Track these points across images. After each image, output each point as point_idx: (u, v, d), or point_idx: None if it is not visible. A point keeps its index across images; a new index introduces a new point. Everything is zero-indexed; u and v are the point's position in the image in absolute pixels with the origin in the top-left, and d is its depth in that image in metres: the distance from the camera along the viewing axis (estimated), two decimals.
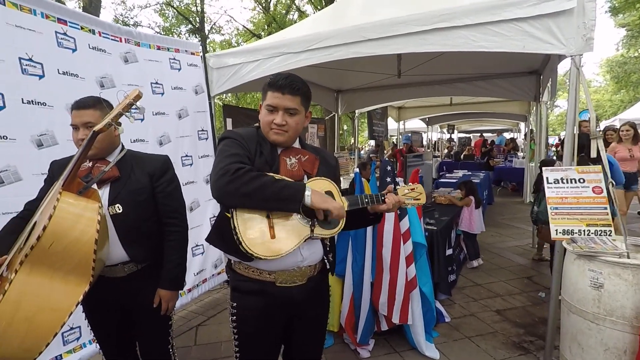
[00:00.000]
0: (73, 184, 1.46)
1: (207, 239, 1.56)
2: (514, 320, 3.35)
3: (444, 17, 2.60)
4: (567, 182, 2.46)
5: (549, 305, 2.70)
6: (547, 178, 2.51)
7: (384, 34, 2.80)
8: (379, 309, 2.80)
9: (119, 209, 1.66)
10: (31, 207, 1.60)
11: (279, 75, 1.46)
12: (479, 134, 17.08)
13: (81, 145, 1.47)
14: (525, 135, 11.07)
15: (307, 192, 1.33)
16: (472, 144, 15.29)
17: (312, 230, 1.40)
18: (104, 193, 1.65)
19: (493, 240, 5.90)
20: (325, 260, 1.60)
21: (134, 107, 1.47)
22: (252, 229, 1.33)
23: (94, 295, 1.59)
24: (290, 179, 1.40)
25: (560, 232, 2.40)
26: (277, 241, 1.35)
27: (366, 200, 1.54)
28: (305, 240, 1.40)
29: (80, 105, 1.63)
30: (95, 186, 1.60)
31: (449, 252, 3.84)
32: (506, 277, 4.38)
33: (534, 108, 7.89)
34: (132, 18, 17.84)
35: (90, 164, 1.64)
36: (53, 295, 1.28)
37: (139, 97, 1.44)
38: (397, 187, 1.68)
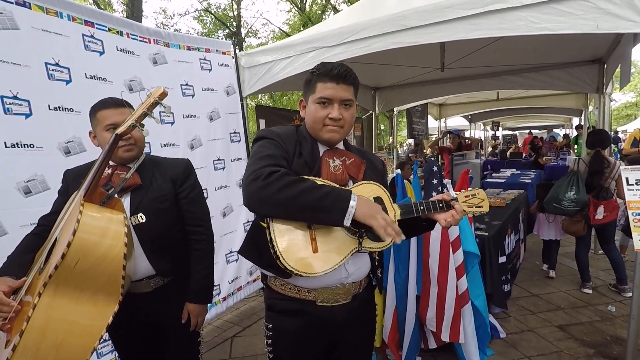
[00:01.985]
0: (95, 194, 1.34)
1: (239, 252, 1.40)
2: (580, 339, 2.95)
3: None
4: None
5: (628, 324, 2.32)
6: (627, 179, 2.14)
7: (428, 21, 2.52)
8: (427, 325, 2.54)
9: (142, 219, 1.54)
10: (46, 222, 1.49)
11: (330, 63, 1.28)
12: (527, 131, 16.06)
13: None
14: (577, 128, 10.16)
15: (352, 203, 1.11)
16: (521, 142, 14.34)
17: (360, 243, 1.21)
18: (125, 202, 1.53)
19: None
20: (372, 277, 1.41)
21: (159, 106, 1.32)
22: (291, 241, 1.16)
23: (117, 313, 1.48)
24: (334, 184, 1.21)
25: None
26: (319, 256, 1.16)
27: (421, 208, 1.32)
28: (351, 255, 1.21)
29: (119, 103, 1.52)
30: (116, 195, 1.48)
31: (502, 259, 3.48)
32: (567, 287, 3.93)
33: (593, 101, 7.21)
34: (172, 26, 18.49)
35: (110, 171, 1.52)
36: (81, 319, 1.17)
37: (164, 94, 1.30)
38: (456, 193, 1.42)
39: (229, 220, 3.34)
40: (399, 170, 2.82)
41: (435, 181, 2.54)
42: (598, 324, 3.15)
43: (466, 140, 6.86)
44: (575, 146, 10.57)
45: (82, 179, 1.45)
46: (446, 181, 2.69)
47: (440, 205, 1.35)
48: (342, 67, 1.27)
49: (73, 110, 2.17)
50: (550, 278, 4.20)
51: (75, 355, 1.14)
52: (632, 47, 2.96)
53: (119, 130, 1.28)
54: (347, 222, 1.11)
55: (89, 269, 1.16)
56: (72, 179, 1.56)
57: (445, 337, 2.49)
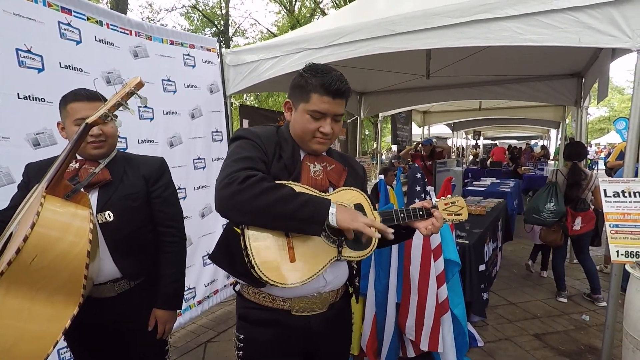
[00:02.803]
0: (59, 186, 1.23)
1: (210, 257, 1.33)
2: (556, 347, 2.98)
3: (485, 8, 2.31)
4: (631, 196, 2.12)
5: (603, 334, 2.36)
6: (604, 191, 2.17)
7: (416, 27, 2.52)
8: (406, 333, 2.51)
9: (110, 217, 1.45)
10: (4, 218, 1.38)
11: (329, 75, 1.18)
12: (506, 142, 16.43)
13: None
14: (563, 139, 10.42)
15: (332, 211, 1.07)
16: (491, 153, 14.54)
17: (339, 252, 1.17)
18: (92, 199, 1.44)
19: (525, 253, 5.45)
20: (350, 286, 1.37)
21: (134, 97, 1.23)
22: (267, 250, 1.10)
23: (77, 319, 1.37)
24: (313, 191, 1.16)
25: (622, 254, 2.06)
26: (297, 265, 1.11)
27: (402, 215, 1.29)
28: (330, 264, 1.16)
29: (92, 96, 1.43)
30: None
31: (482, 267, 3.50)
32: (543, 296, 3.99)
33: (570, 113, 7.41)
34: (158, 21, 18.14)
35: (77, 165, 1.43)
36: (35, 321, 1.07)
37: (140, 85, 1.21)
38: (436, 201, 1.40)
39: (207, 222, 3.25)
40: (382, 176, 2.80)
41: (418, 188, 2.53)
42: (573, 333, 3.20)
43: (437, 149, 6.96)
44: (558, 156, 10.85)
45: (45, 173, 1.36)
46: (429, 188, 2.69)
47: (421, 213, 1.32)
48: (341, 82, 1.20)
49: (45, 100, 2.05)
50: (531, 285, 4.26)
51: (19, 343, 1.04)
52: (610, 62, 3.04)
53: (90, 119, 1.19)
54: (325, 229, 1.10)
55: (47, 266, 1.07)
56: (34, 173, 1.46)
57: (424, 346, 2.47)
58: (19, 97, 1.97)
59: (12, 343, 1.03)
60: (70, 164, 1.41)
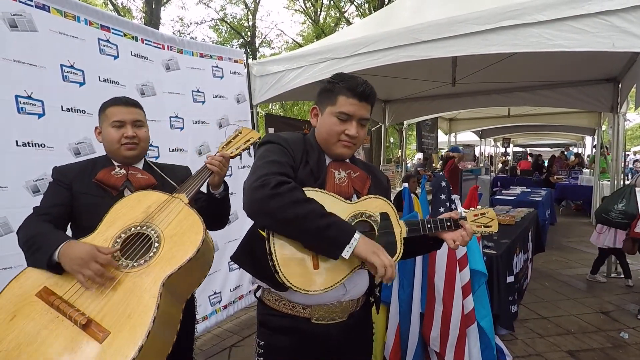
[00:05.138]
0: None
1: (232, 257, 1.34)
2: None
3: (511, 14, 2.28)
4: None
5: None
6: None
7: (440, 35, 2.53)
8: (430, 344, 2.46)
9: None
10: (49, 212, 1.39)
11: (355, 79, 1.24)
12: (538, 149, 15.89)
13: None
14: (601, 147, 10.01)
15: (354, 240, 1.09)
16: (518, 164, 14.13)
17: (362, 262, 1.17)
18: None
19: (558, 265, 5.26)
20: (370, 296, 1.36)
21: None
22: (292, 256, 1.12)
23: None
24: (338, 197, 1.20)
25: None
26: (320, 273, 1.13)
27: (429, 226, 1.29)
28: (352, 272, 1.17)
29: (130, 102, 1.54)
30: None
31: (510, 279, 3.39)
32: (577, 311, 3.81)
33: (606, 120, 7.11)
34: (188, 34, 18.84)
35: (124, 172, 1.50)
36: (169, 325, 1.22)
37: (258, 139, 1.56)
38: (465, 212, 1.39)
39: (233, 228, 3.31)
40: (406, 184, 2.79)
41: (443, 196, 2.50)
42: (610, 351, 3.04)
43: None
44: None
45: (86, 175, 1.44)
46: (454, 197, 2.65)
47: (448, 224, 1.31)
48: (367, 86, 1.24)
49: (85, 112, 2.20)
50: (565, 299, 4.09)
51: (165, 347, 1.18)
52: None
53: (231, 154, 1.58)
54: (346, 254, 1.08)
55: (200, 264, 1.33)
56: (73, 175, 1.48)
57: (449, 358, 2.41)
58: (62, 110, 2.12)
59: (165, 328, 1.18)
60: (115, 171, 1.49)
